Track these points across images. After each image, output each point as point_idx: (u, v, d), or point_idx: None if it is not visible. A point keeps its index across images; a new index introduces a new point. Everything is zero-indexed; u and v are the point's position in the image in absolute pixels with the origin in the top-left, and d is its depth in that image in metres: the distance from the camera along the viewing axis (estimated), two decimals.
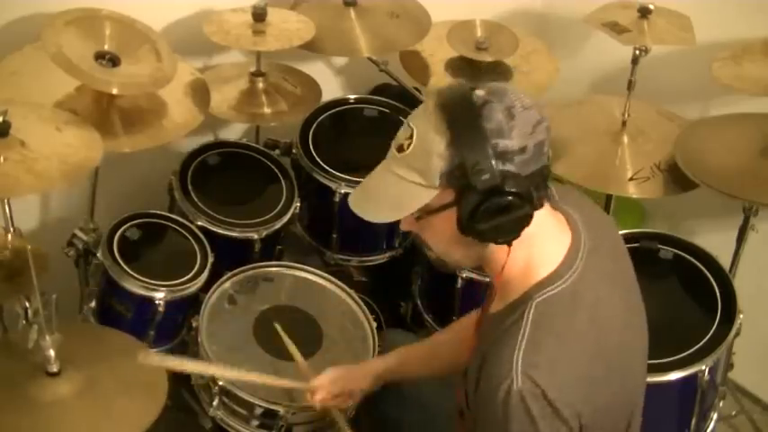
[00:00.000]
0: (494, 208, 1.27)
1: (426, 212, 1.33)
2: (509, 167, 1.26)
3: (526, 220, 1.30)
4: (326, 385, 1.77)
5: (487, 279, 2.04)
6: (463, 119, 1.26)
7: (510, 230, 1.31)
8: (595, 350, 1.34)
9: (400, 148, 1.32)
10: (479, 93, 1.28)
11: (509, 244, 1.33)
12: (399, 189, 1.32)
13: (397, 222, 1.96)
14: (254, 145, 2.45)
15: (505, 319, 1.36)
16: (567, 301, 1.34)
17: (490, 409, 1.30)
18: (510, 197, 1.27)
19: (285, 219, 2.28)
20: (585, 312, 1.35)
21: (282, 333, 1.98)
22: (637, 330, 1.48)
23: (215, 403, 1.91)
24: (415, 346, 1.84)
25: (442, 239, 1.38)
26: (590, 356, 1.33)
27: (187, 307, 2.10)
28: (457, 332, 1.77)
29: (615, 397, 1.38)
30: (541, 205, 1.33)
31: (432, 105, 1.30)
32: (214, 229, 2.19)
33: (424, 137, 1.29)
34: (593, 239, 1.41)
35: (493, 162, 1.25)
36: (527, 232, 1.33)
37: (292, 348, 1.94)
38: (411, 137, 1.30)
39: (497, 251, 1.36)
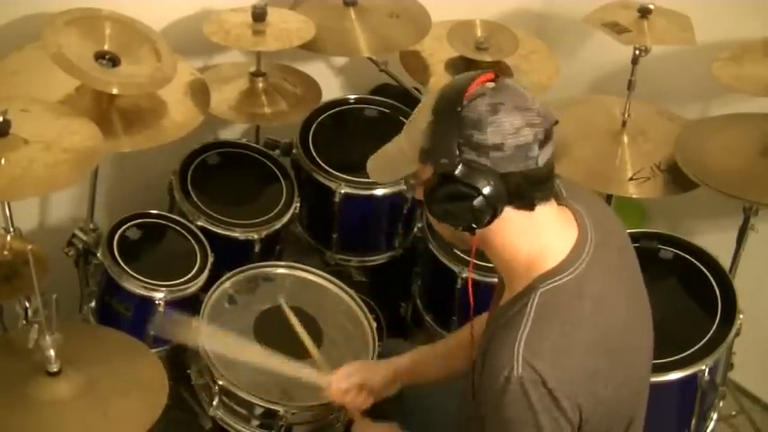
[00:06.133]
0: (444, 193, 1.32)
1: (415, 182, 1.40)
2: (483, 161, 1.29)
3: (485, 213, 1.32)
4: (342, 379, 1.75)
5: (488, 279, 2.06)
6: (448, 105, 1.32)
7: (462, 219, 1.34)
8: (599, 342, 1.34)
9: (410, 117, 1.40)
10: (489, 84, 1.32)
11: (471, 232, 1.36)
12: (395, 152, 1.42)
13: (397, 223, 1.93)
14: (254, 145, 2.44)
15: (510, 309, 1.37)
16: (571, 291, 1.35)
17: (490, 394, 1.31)
18: (463, 187, 1.30)
19: (285, 219, 2.28)
20: (590, 303, 1.35)
21: (297, 325, 1.97)
22: (642, 329, 1.48)
23: (215, 403, 1.91)
24: (431, 346, 1.83)
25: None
26: (593, 348, 1.33)
27: (187, 307, 2.10)
28: (470, 333, 1.76)
29: (618, 393, 1.38)
30: (531, 207, 1.35)
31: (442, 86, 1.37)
32: (214, 229, 2.19)
33: (421, 111, 1.36)
34: (600, 236, 1.42)
35: (457, 150, 1.29)
36: (533, 226, 1.35)
37: (308, 342, 1.93)
38: (418, 109, 1.38)
39: (488, 237, 1.38)
